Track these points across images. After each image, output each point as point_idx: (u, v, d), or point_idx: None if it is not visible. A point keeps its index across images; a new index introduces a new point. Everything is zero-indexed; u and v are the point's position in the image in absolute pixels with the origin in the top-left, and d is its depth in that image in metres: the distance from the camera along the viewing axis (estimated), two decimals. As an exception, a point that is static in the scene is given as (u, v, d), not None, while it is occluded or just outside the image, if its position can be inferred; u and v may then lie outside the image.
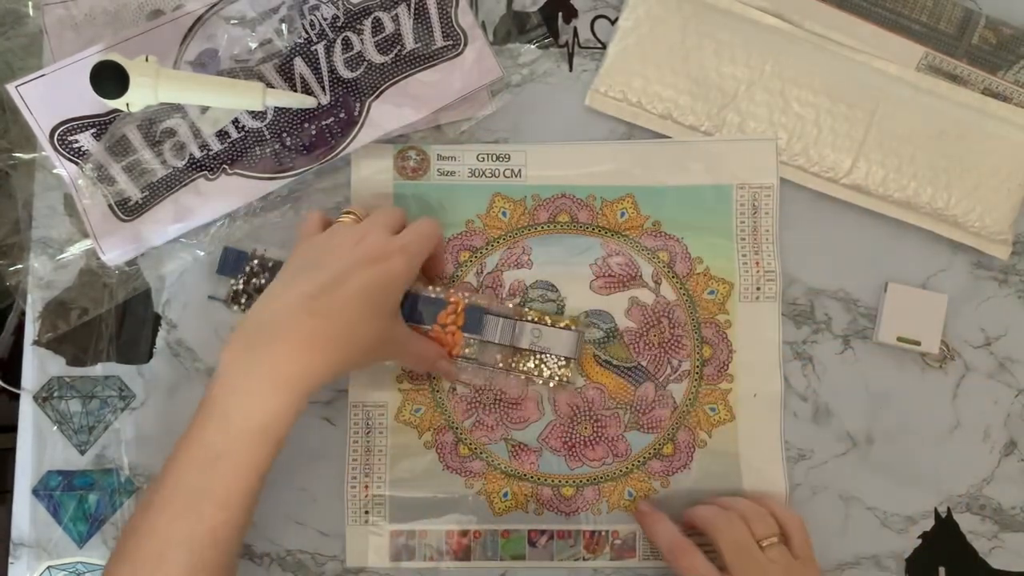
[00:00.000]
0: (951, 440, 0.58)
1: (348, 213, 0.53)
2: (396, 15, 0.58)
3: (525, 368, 0.56)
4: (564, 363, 0.56)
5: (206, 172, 0.56)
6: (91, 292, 0.57)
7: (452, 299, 0.54)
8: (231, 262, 0.57)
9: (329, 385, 0.50)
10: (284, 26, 0.57)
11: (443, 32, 0.58)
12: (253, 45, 0.57)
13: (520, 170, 0.59)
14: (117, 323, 0.57)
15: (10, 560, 0.56)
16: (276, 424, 0.45)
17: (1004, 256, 0.59)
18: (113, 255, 0.56)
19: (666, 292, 0.58)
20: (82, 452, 0.57)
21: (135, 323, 0.57)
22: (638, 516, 0.56)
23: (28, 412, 0.57)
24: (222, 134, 0.56)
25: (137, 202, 0.56)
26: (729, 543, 0.50)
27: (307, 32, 0.57)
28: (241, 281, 0.56)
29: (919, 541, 0.58)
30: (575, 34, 0.60)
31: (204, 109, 0.56)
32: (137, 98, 0.52)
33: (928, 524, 0.58)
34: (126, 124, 0.56)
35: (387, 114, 0.57)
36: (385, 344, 0.50)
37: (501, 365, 0.55)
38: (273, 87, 0.56)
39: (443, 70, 0.58)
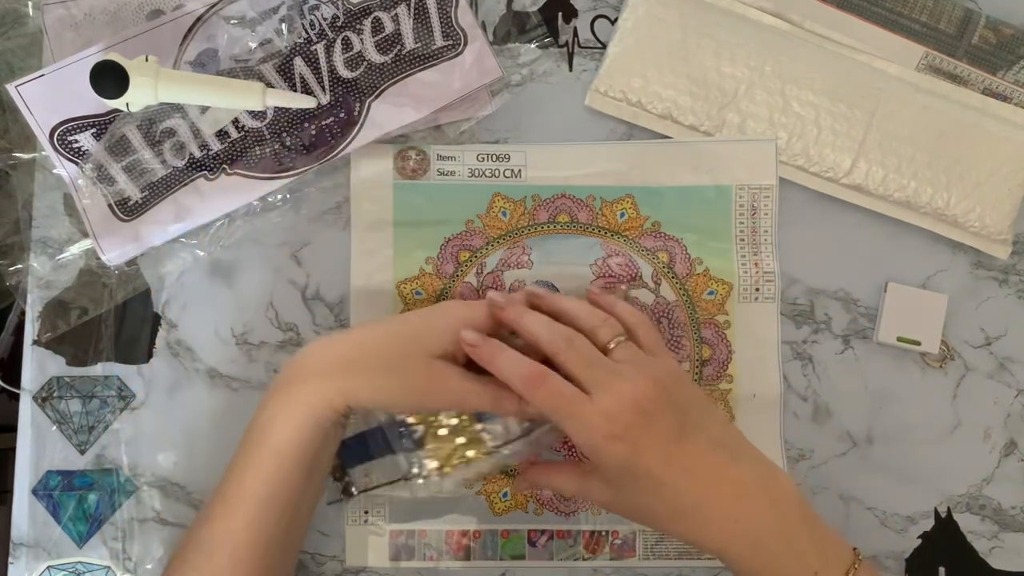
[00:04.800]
0: (951, 440, 0.58)
1: None
2: (396, 15, 0.58)
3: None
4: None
5: (206, 172, 0.56)
6: (91, 292, 0.57)
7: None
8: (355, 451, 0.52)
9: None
10: (284, 26, 0.57)
11: (443, 32, 0.58)
12: (253, 45, 0.57)
13: (520, 170, 0.59)
14: (117, 323, 0.57)
15: (10, 560, 0.56)
16: (284, 445, 0.47)
17: (1004, 256, 0.59)
18: (113, 255, 0.56)
19: (666, 292, 0.58)
20: (82, 452, 0.57)
21: (135, 323, 0.58)
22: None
23: (28, 412, 0.57)
24: (222, 134, 0.56)
25: (137, 202, 0.56)
26: (576, 362, 0.46)
27: (307, 32, 0.57)
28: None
29: (919, 541, 0.58)
30: (575, 34, 0.60)
31: (204, 109, 0.56)
32: (137, 98, 0.52)
33: (928, 524, 0.58)
34: (126, 124, 0.56)
35: (387, 114, 0.57)
36: (415, 386, 0.47)
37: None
38: (273, 87, 0.56)
39: (443, 70, 0.58)
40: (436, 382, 0.48)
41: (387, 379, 0.47)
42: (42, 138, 0.55)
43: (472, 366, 0.49)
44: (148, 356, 0.57)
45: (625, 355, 0.48)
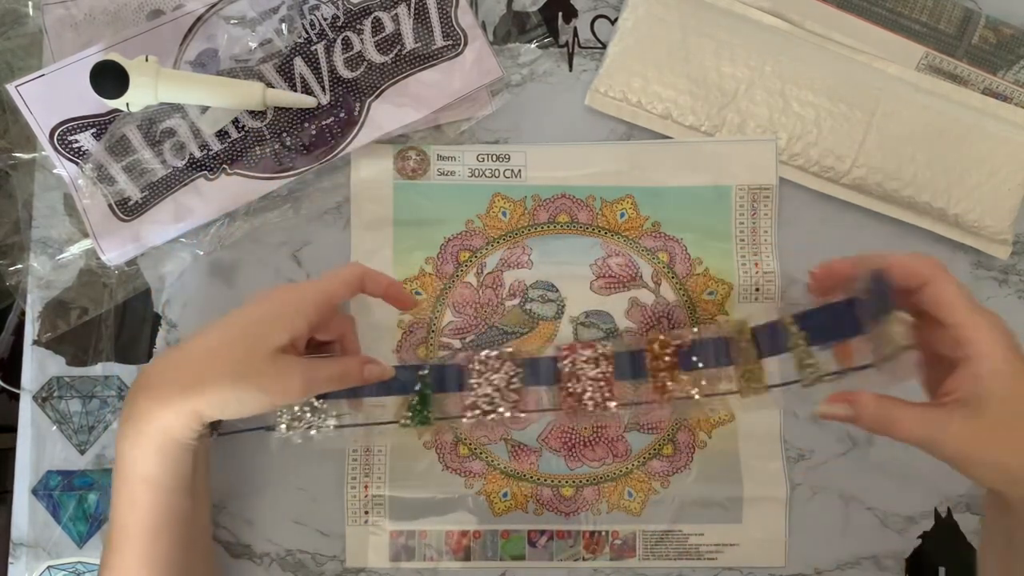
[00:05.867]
0: (951, 440, 0.58)
1: None
2: (396, 15, 0.58)
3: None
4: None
5: (206, 172, 0.56)
6: (91, 292, 0.57)
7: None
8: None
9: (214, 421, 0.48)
10: (284, 26, 0.57)
11: (443, 32, 0.58)
12: (253, 45, 0.57)
13: (520, 170, 0.59)
14: (117, 323, 0.57)
15: (10, 560, 0.56)
16: (155, 477, 0.46)
17: (1004, 256, 0.59)
18: (113, 255, 0.56)
19: (666, 293, 0.58)
20: (82, 452, 0.57)
21: (135, 323, 0.58)
22: (843, 400, 0.44)
23: (28, 412, 0.57)
24: (222, 134, 0.56)
25: (137, 202, 0.56)
26: (957, 289, 0.42)
27: (307, 32, 0.57)
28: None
29: (919, 541, 0.58)
30: (575, 34, 0.60)
31: (204, 109, 0.56)
32: (137, 98, 0.52)
33: (928, 524, 0.58)
34: (126, 124, 0.56)
35: (387, 114, 0.57)
36: (269, 382, 0.46)
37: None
38: (273, 87, 0.56)
39: (443, 70, 0.58)
40: (284, 379, 0.46)
41: (235, 389, 0.46)
42: (42, 138, 0.55)
43: (311, 347, 0.51)
44: (148, 356, 0.57)
45: None
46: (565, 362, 0.53)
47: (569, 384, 0.53)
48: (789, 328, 0.48)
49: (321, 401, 0.52)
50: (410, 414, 0.53)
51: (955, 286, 0.42)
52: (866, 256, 0.45)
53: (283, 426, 0.52)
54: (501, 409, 0.53)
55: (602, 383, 0.53)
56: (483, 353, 0.54)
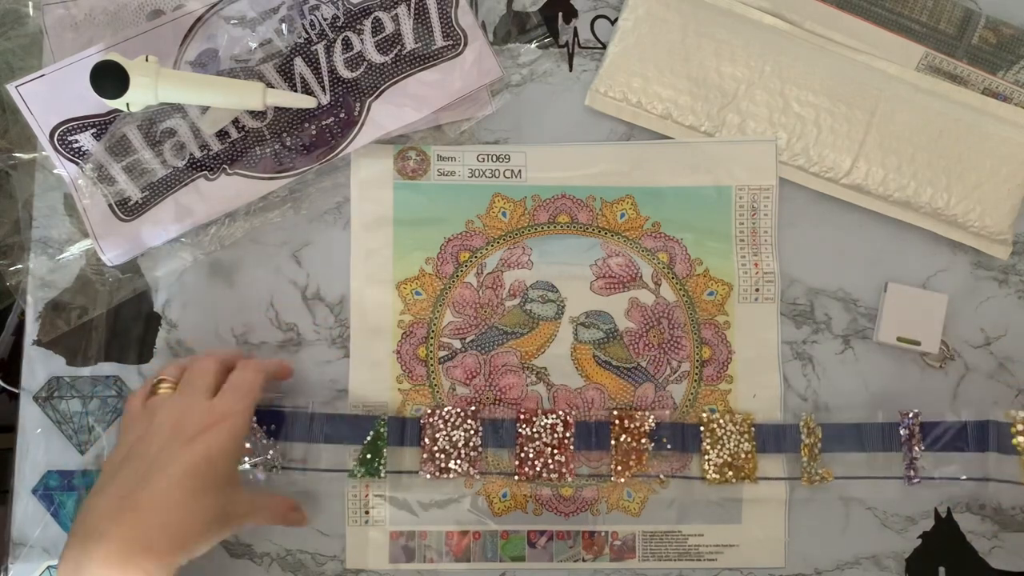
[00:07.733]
0: (951, 440, 0.58)
1: (162, 381, 0.51)
2: (396, 15, 0.58)
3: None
4: None
5: (206, 172, 0.56)
6: (91, 292, 0.57)
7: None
8: None
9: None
10: (284, 26, 0.57)
11: (443, 32, 0.58)
12: (253, 45, 0.57)
13: (520, 170, 0.59)
14: (117, 323, 0.57)
15: (10, 560, 0.56)
16: None
17: (1004, 256, 0.59)
18: (113, 255, 0.56)
19: (666, 293, 0.58)
20: (82, 452, 0.57)
21: (135, 323, 0.58)
22: None
23: (28, 412, 0.57)
24: (222, 134, 0.56)
25: (137, 202, 0.56)
26: None
27: (307, 32, 0.57)
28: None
29: (919, 541, 0.58)
30: (575, 34, 0.60)
31: (204, 109, 0.56)
32: (137, 98, 0.52)
33: (928, 524, 0.58)
34: (126, 124, 0.56)
35: (387, 114, 0.57)
36: (228, 517, 0.48)
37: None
38: (273, 87, 0.56)
39: (443, 70, 0.58)
40: (240, 515, 0.49)
41: (214, 536, 0.47)
42: (42, 138, 0.55)
43: None
44: (148, 356, 0.57)
45: None
46: (525, 427, 0.55)
47: (527, 449, 0.55)
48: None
49: (270, 440, 0.54)
50: (357, 463, 0.55)
51: None
52: None
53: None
54: (458, 468, 0.54)
55: (559, 456, 0.55)
56: (445, 409, 0.55)
